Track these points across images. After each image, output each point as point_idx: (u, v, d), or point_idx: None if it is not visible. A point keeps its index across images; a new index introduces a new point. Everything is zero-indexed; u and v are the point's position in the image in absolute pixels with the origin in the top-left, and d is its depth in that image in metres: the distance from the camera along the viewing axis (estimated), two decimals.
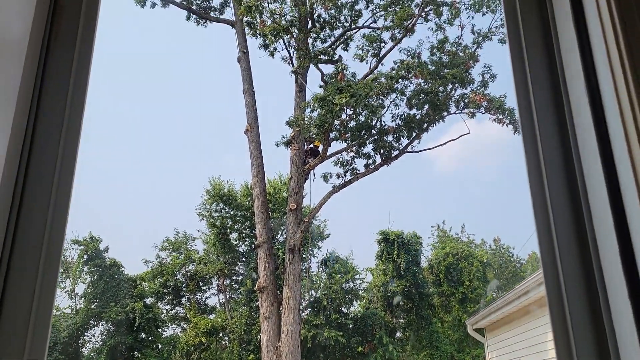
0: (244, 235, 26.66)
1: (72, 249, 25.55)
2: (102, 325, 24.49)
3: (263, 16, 14.03)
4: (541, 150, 1.44)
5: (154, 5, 17.46)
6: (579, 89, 1.39)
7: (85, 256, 24.75)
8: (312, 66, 16.17)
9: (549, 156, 1.43)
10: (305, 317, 23.98)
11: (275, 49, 14.49)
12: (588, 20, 1.40)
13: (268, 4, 13.89)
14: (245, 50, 16.45)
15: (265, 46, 14.66)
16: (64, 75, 1.46)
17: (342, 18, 17.06)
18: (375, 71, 15.02)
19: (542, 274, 1.36)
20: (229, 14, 17.44)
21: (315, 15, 16.61)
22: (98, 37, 1.59)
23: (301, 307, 16.81)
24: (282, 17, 14.07)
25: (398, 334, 28.16)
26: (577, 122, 1.41)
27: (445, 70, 14.28)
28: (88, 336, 24.63)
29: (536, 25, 1.55)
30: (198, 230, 28.63)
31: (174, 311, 27.63)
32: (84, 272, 24.91)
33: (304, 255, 25.58)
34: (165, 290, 26.69)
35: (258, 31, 14.18)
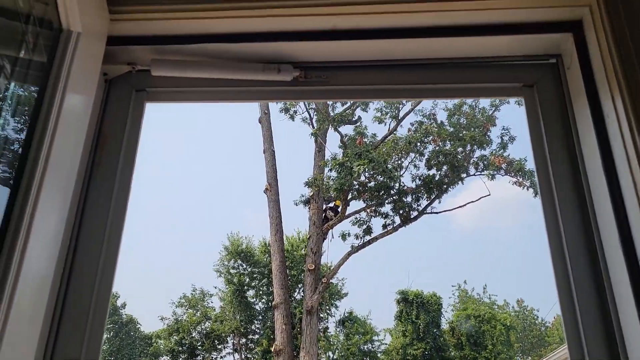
0: (261, 292, 26.38)
1: None
2: None
3: None
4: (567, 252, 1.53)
5: None
6: (601, 190, 1.47)
7: None
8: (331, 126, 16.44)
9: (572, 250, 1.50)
10: None
11: (295, 112, 14.78)
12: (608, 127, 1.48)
13: None
14: (266, 111, 16.82)
15: (285, 110, 14.97)
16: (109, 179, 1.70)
17: None
18: (395, 132, 15.20)
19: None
20: None
21: None
22: None
23: None
24: None
25: None
26: (600, 223, 1.49)
27: (464, 132, 14.39)
28: None
29: (559, 133, 1.64)
30: (215, 287, 28.55)
31: None
32: None
33: (321, 315, 25.10)
34: (180, 349, 26.26)
35: None
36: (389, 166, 14.60)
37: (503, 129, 14.45)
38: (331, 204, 16.09)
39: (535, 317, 36.00)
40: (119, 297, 25.00)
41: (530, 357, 32.88)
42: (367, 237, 15.32)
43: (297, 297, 24.82)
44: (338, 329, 26.85)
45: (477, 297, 34.77)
